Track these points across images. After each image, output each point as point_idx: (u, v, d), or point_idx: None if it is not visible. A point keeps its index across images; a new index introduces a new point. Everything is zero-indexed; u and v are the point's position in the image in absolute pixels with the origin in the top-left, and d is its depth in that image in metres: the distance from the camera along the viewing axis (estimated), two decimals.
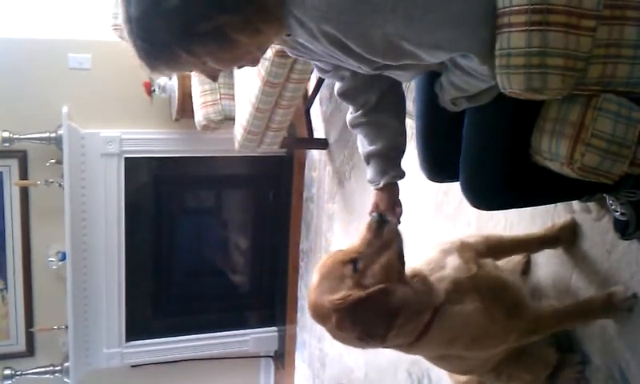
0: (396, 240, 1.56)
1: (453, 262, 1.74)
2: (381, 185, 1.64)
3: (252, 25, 1.25)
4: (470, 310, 1.66)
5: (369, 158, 1.65)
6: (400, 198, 1.68)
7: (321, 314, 1.52)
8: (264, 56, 1.70)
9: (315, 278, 1.55)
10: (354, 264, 1.51)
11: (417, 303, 1.58)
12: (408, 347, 1.67)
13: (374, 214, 1.57)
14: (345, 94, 1.63)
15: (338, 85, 1.64)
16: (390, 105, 1.61)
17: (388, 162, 1.63)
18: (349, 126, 1.68)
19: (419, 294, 1.60)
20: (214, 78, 1.43)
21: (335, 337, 1.56)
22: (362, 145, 1.66)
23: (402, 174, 1.65)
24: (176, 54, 1.28)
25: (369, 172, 1.67)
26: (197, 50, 1.27)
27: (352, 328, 1.49)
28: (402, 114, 1.65)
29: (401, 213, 1.67)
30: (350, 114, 1.66)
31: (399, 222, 1.65)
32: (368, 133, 1.63)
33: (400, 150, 1.65)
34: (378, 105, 1.60)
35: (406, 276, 1.59)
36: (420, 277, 1.66)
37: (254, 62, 1.41)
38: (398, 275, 1.55)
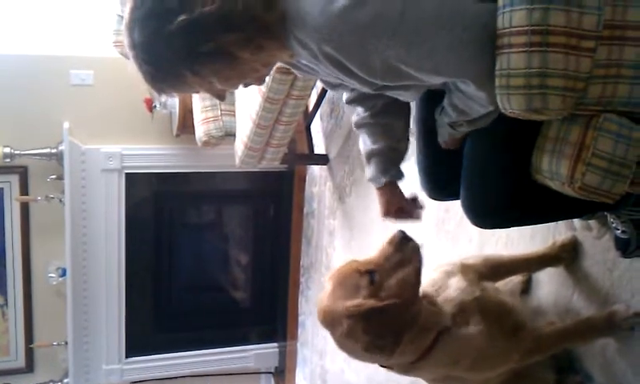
0: (416, 259, 1.57)
1: (457, 283, 1.74)
2: (383, 182, 1.66)
3: (254, 42, 1.28)
4: (473, 333, 1.66)
5: (370, 156, 1.66)
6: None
7: (332, 320, 1.52)
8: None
9: (330, 285, 1.55)
10: (371, 276, 1.51)
11: (424, 322, 1.59)
12: (407, 367, 1.66)
13: (399, 230, 1.58)
14: (354, 101, 1.64)
15: (345, 94, 1.64)
16: (396, 108, 1.61)
17: (390, 162, 1.65)
18: (354, 127, 1.69)
19: (428, 314, 1.61)
20: (221, 98, 1.45)
21: (340, 345, 1.56)
22: (365, 144, 1.67)
23: (402, 175, 1.67)
24: (182, 75, 1.30)
25: (369, 170, 1.68)
26: (202, 70, 1.29)
27: (362, 337, 1.49)
28: (407, 117, 1.66)
29: (421, 206, 1.74)
30: (356, 115, 1.67)
31: (420, 212, 1.73)
32: (373, 132, 1.64)
33: (401, 153, 1.67)
34: (385, 107, 1.60)
35: (419, 295, 1.60)
36: (428, 298, 1.66)
37: (260, 81, 1.44)
38: (413, 293, 1.56)
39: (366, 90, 1.37)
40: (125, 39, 1.30)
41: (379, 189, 1.69)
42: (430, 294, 1.68)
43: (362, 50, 1.23)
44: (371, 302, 1.48)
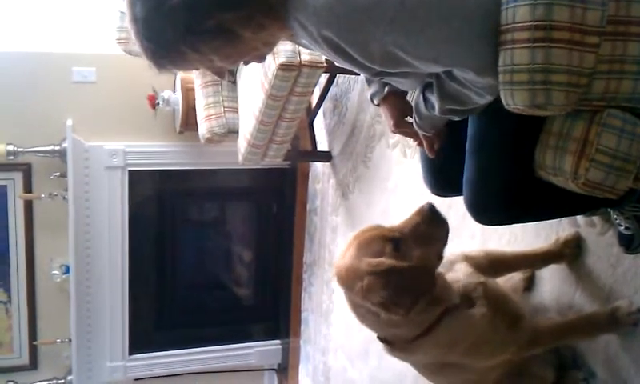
0: (443, 239, 1.59)
1: (462, 268, 1.76)
2: (386, 92, 1.62)
3: (255, 20, 1.27)
4: (477, 316, 1.68)
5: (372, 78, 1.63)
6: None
7: (354, 277, 1.54)
8: (272, 52, 1.67)
9: (352, 245, 1.57)
10: (395, 243, 1.53)
11: (436, 295, 1.62)
12: (407, 345, 1.68)
13: (429, 202, 1.59)
14: None
15: None
16: None
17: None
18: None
19: (440, 288, 1.64)
20: (221, 76, 1.45)
21: (355, 305, 1.60)
22: None
23: (405, 92, 1.63)
24: (182, 52, 1.29)
25: (371, 88, 1.64)
26: (202, 47, 1.29)
27: (381, 292, 1.51)
28: None
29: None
30: None
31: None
32: None
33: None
34: None
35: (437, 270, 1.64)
36: (440, 275, 1.68)
37: (261, 59, 1.43)
38: (433, 267, 1.60)
39: (365, 75, 1.36)
40: (127, 14, 1.29)
41: (383, 101, 1.64)
42: (441, 272, 1.70)
43: (360, 36, 1.22)
44: (393, 261, 1.51)
